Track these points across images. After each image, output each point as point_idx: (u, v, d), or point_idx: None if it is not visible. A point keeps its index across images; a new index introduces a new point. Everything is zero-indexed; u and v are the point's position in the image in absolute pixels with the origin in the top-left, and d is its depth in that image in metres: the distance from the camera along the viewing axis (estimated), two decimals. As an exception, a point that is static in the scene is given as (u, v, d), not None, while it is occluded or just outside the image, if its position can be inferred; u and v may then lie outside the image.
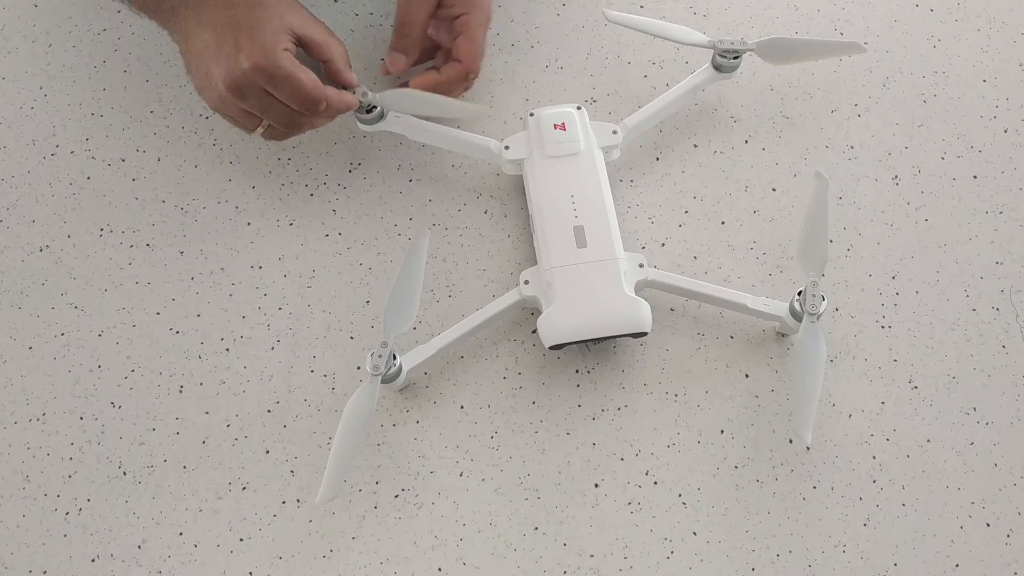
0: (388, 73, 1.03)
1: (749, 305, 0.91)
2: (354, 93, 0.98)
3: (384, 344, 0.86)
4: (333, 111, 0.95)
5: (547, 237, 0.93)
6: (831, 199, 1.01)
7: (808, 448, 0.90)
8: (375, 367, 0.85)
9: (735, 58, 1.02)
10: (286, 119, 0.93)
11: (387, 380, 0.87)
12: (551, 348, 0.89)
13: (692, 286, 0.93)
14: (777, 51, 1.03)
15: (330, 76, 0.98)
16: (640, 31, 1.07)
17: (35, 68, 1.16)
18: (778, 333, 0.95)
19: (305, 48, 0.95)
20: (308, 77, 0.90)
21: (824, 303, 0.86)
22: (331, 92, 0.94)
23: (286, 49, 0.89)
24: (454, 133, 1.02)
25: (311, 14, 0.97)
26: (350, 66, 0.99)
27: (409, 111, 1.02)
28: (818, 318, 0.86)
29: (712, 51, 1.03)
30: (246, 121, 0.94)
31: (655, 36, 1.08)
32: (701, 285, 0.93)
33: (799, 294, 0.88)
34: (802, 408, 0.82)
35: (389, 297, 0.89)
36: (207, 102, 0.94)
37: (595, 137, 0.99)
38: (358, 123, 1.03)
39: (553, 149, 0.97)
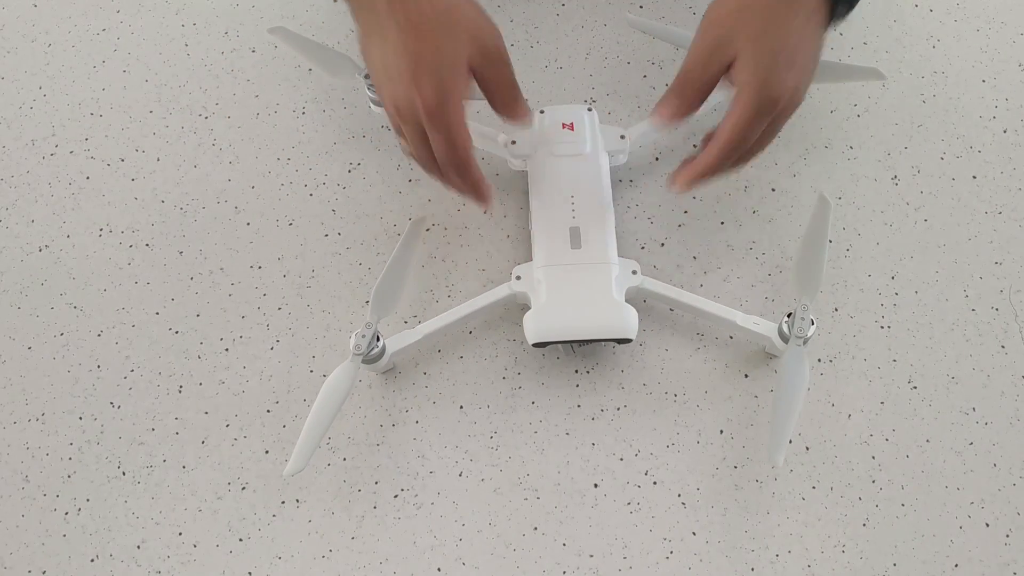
0: (659, 119, 0.86)
1: (739, 323, 0.91)
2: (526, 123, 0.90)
3: (368, 325, 0.87)
4: (465, 188, 0.85)
5: (542, 235, 0.93)
6: (831, 215, 1.01)
7: (776, 466, 0.90)
8: (357, 346, 0.86)
9: None
10: (424, 161, 0.84)
11: (369, 361, 0.88)
12: (534, 345, 0.89)
13: (684, 298, 0.92)
14: None
15: (495, 107, 0.86)
16: (659, 38, 1.06)
17: (35, 68, 1.16)
18: (767, 354, 0.95)
19: (479, 75, 0.81)
20: (464, 141, 0.80)
21: (813, 327, 0.86)
22: (477, 176, 0.84)
23: (463, 93, 0.79)
24: None
25: (494, 28, 0.82)
26: (520, 95, 0.85)
27: None
28: (805, 343, 0.86)
29: None
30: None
31: (675, 45, 1.07)
32: (693, 298, 0.92)
33: (788, 316, 0.88)
34: (777, 432, 0.81)
35: (379, 278, 0.90)
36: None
37: (602, 140, 0.99)
38: (370, 104, 1.03)
39: (559, 148, 0.97)
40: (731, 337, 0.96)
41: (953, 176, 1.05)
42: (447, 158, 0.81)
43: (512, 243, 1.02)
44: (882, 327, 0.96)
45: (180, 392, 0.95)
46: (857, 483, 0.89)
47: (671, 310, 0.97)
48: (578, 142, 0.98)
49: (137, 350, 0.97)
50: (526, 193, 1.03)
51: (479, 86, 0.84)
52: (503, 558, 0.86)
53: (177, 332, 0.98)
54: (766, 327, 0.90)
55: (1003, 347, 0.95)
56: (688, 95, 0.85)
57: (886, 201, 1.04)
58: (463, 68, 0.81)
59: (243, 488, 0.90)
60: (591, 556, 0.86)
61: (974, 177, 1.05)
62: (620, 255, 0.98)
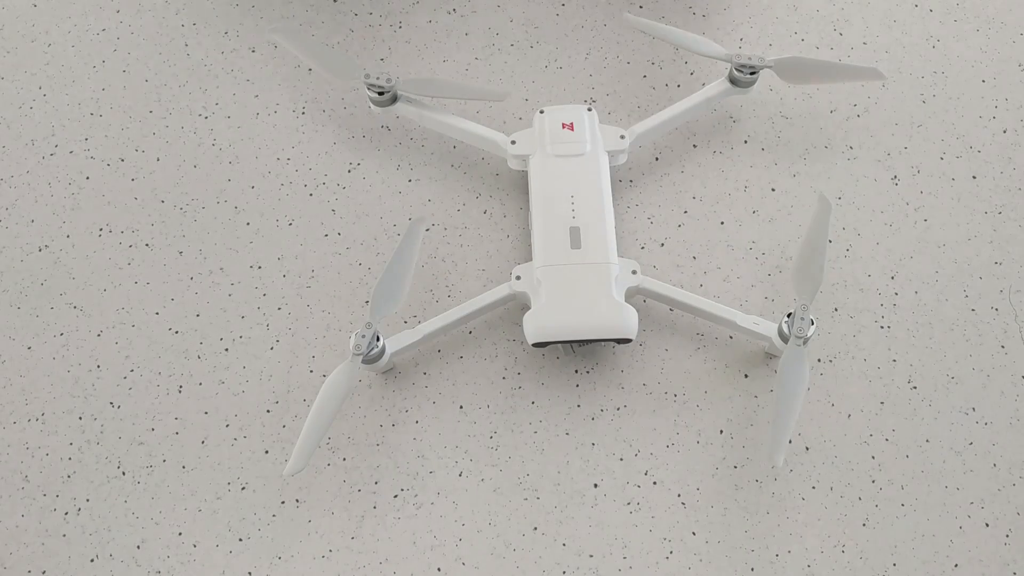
0: None
1: (739, 323, 0.91)
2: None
3: (368, 325, 0.87)
4: None
5: (542, 235, 0.93)
6: (831, 216, 1.01)
7: (776, 466, 0.90)
8: (357, 347, 0.86)
9: (752, 73, 1.01)
10: None
11: (369, 361, 0.88)
12: (534, 345, 0.89)
13: (684, 298, 0.92)
14: (795, 70, 1.02)
15: None
16: (660, 39, 1.06)
17: (35, 68, 1.16)
18: (767, 354, 0.95)
19: None
20: None
21: (813, 327, 0.86)
22: None
23: None
24: (464, 124, 1.02)
25: None
26: None
27: (428, 94, 1.02)
28: (805, 343, 0.86)
29: (729, 64, 1.02)
30: None
31: (674, 45, 1.07)
32: (693, 298, 0.92)
33: (788, 316, 0.88)
34: (777, 432, 0.82)
35: (379, 278, 0.90)
36: None
37: (602, 140, 0.99)
38: (370, 104, 1.04)
39: (559, 148, 0.97)
40: (731, 337, 0.96)
41: (953, 176, 1.05)
42: None
43: (512, 243, 1.02)
44: (882, 327, 0.96)
45: (180, 392, 0.95)
46: (857, 483, 0.89)
47: (671, 310, 0.97)
48: (578, 142, 0.98)
49: (137, 350, 0.97)
50: (526, 193, 1.03)
51: None
52: (503, 558, 0.86)
53: (177, 332, 0.98)
54: (766, 327, 0.90)
55: (1003, 347, 0.95)
56: None
57: (886, 201, 1.04)
58: None
59: (243, 488, 0.90)
60: (591, 556, 0.86)
61: (974, 177, 1.05)
62: (620, 255, 0.98)
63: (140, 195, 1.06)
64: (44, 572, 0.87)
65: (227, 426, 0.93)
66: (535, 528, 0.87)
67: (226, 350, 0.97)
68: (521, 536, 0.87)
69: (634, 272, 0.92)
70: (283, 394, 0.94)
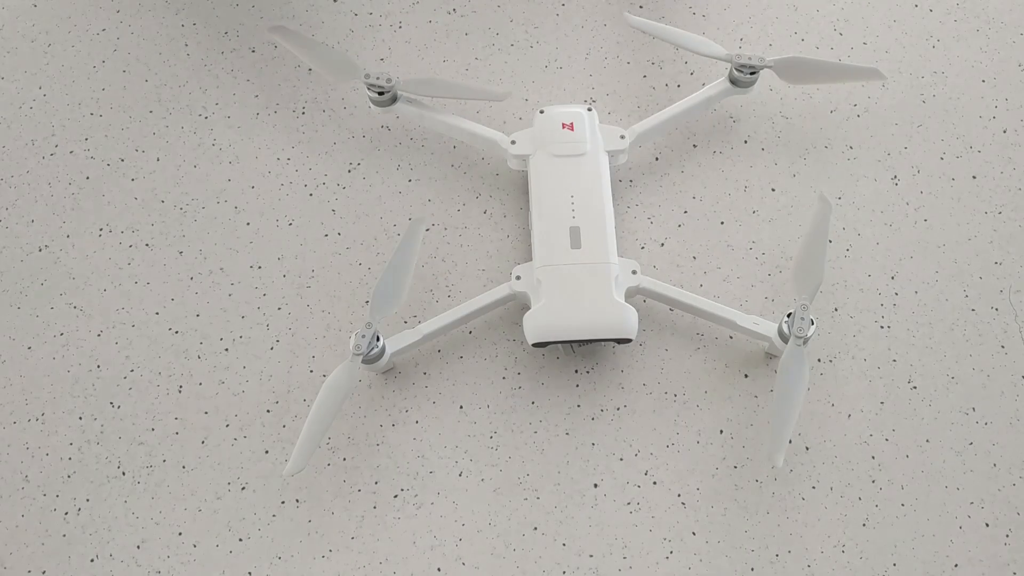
0: None
1: (739, 323, 0.91)
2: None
3: (368, 325, 0.87)
4: None
5: (542, 235, 0.93)
6: (831, 216, 1.01)
7: (776, 466, 0.90)
8: (357, 347, 0.86)
9: (752, 74, 1.01)
10: None
11: (369, 361, 0.88)
12: (534, 345, 0.90)
13: (684, 298, 0.92)
14: (795, 70, 1.02)
15: None
16: (660, 39, 1.06)
17: (35, 68, 1.16)
18: (767, 354, 0.95)
19: None
20: None
21: (813, 327, 0.86)
22: None
23: None
24: (464, 124, 1.02)
25: None
26: None
27: (428, 94, 1.02)
28: (805, 342, 0.86)
29: (729, 64, 1.02)
30: None
31: (674, 45, 1.07)
32: (693, 298, 0.92)
33: (788, 316, 0.88)
34: (777, 432, 0.82)
35: (379, 278, 0.90)
36: None
37: (602, 140, 0.99)
38: (370, 104, 1.04)
39: (559, 148, 0.97)
40: (731, 337, 0.96)
41: (953, 176, 1.05)
42: None
43: (512, 243, 1.02)
44: (882, 327, 0.96)
45: (180, 392, 0.95)
46: (857, 483, 0.89)
47: (671, 310, 0.97)
48: (578, 142, 0.98)
49: (137, 350, 0.97)
50: (526, 193, 1.03)
51: None
52: (503, 558, 0.86)
53: (177, 332, 0.98)
54: (766, 327, 0.90)
55: (1003, 347, 0.95)
56: None
57: (886, 201, 1.04)
58: None
59: (243, 488, 0.90)
60: (591, 556, 0.86)
61: (974, 177, 1.05)
62: (620, 255, 0.98)
63: (140, 195, 1.06)
64: (44, 572, 0.87)
65: (227, 426, 0.93)
66: (535, 528, 0.87)
67: (226, 350, 0.97)
68: (521, 536, 0.87)
69: (634, 272, 0.92)
70: (283, 394, 0.94)
